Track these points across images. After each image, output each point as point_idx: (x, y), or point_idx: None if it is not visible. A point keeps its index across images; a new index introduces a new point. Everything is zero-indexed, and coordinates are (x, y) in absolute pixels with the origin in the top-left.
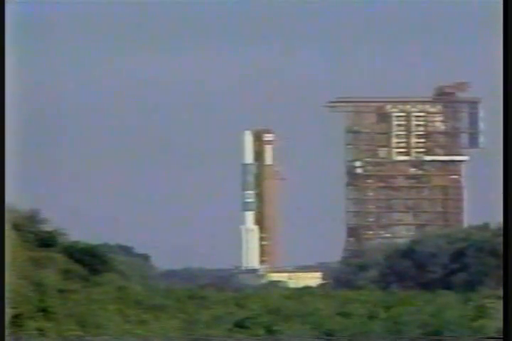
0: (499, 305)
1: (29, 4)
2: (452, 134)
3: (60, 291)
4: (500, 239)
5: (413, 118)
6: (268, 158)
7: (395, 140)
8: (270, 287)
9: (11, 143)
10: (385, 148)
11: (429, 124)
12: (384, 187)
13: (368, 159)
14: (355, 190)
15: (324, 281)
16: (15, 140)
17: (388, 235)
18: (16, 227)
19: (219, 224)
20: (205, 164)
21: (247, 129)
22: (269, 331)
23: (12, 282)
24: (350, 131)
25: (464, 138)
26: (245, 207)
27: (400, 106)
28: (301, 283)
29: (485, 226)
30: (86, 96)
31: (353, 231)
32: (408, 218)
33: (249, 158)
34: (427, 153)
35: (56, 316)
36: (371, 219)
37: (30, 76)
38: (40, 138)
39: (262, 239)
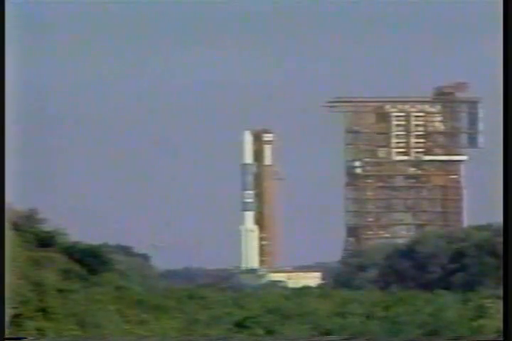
0: (498, 305)
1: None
2: (451, 134)
3: (60, 291)
4: (500, 239)
5: (412, 118)
6: (267, 158)
7: (394, 140)
8: (269, 287)
9: (10, 143)
10: (385, 148)
11: (429, 124)
12: (383, 187)
13: (367, 159)
14: (354, 190)
15: (323, 281)
16: (15, 140)
17: (388, 235)
18: (15, 227)
19: (219, 224)
20: (205, 164)
21: (247, 129)
22: (269, 331)
23: (11, 282)
24: (349, 131)
25: (463, 138)
26: (245, 207)
27: (400, 106)
28: (300, 283)
29: (485, 226)
30: (86, 96)
31: (352, 231)
32: (408, 218)
33: (248, 158)
34: (426, 153)
35: (55, 316)
36: (371, 219)
37: (31, 75)
38: (40, 138)
39: (261, 239)
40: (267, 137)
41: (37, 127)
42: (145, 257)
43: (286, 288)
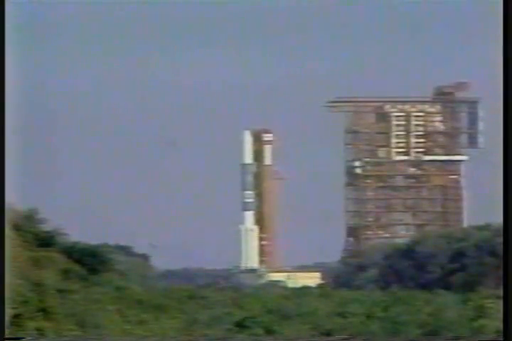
0: (498, 305)
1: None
2: (451, 134)
3: (60, 291)
4: (500, 239)
5: (412, 118)
6: (267, 158)
7: (394, 140)
8: (269, 287)
9: (10, 143)
10: (385, 148)
11: (429, 124)
12: (383, 187)
13: (367, 159)
14: (354, 190)
15: (323, 281)
16: (15, 139)
17: (387, 235)
18: (15, 227)
19: (219, 224)
20: (204, 164)
21: (247, 129)
22: (268, 331)
23: (11, 282)
24: (349, 131)
25: (464, 138)
26: (245, 206)
27: (400, 106)
28: (300, 283)
29: (485, 226)
30: (86, 96)
31: (352, 231)
32: (407, 218)
33: (248, 158)
34: (426, 153)
35: (55, 316)
36: (370, 219)
37: (31, 75)
38: (40, 139)
39: (261, 238)
40: (267, 137)
41: (38, 127)
42: (145, 257)
43: (286, 288)
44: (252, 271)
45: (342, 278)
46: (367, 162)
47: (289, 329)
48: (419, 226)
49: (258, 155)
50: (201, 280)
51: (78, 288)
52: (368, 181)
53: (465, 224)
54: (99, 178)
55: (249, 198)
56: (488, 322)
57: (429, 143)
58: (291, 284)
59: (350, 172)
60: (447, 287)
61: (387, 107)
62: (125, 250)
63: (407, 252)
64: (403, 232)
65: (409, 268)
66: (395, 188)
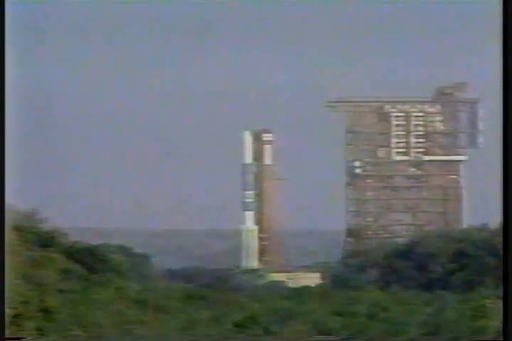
0: (499, 305)
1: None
2: (451, 134)
3: (60, 291)
4: (500, 239)
5: (412, 119)
6: (267, 158)
7: (394, 140)
8: (269, 287)
9: (10, 143)
10: (385, 148)
11: (429, 124)
12: (383, 187)
13: (367, 159)
14: (354, 190)
15: (323, 281)
16: (15, 139)
17: (387, 235)
18: (16, 227)
19: (219, 224)
20: (204, 164)
21: (247, 129)
22: (268, 331)
23: (11, 282)
24: (349, 131)
25: (463, 138)
26: (245, 207)
27: (399, 106)
28: (300, 283)
29: (484, 227)
30: (86, 96)
31: (352, 231)
32: (407, 218)
33: (248, 158)
34: (426, 153)
35: (56, 316)
36: (370, 219)
37: (31, 75)
38: (40, 138)
39: (261, 239)
40: (267, 137)
41: (37, 127)
42: (145, 257)
43: (286, 288)
44: (252, 271)
45: (342, 278)
46: (367, 162)
47: (289, 329)
48: (419, 226)
49: (258, 155)
50: (202, 281)
51: (78, 287)
52: (368, 181)
53: (464, 224)
54: (99, 178)
55: (249, 198)
56: (488, 322)
57: (429, 143)
58: (291, 284)
59: (350, 172)
60: (447, 287)
61: (387, 107)
62: (125, 250)
63: (407, 252)
64: (403, 232)
65: (409, 269)
66: (394, 188)
